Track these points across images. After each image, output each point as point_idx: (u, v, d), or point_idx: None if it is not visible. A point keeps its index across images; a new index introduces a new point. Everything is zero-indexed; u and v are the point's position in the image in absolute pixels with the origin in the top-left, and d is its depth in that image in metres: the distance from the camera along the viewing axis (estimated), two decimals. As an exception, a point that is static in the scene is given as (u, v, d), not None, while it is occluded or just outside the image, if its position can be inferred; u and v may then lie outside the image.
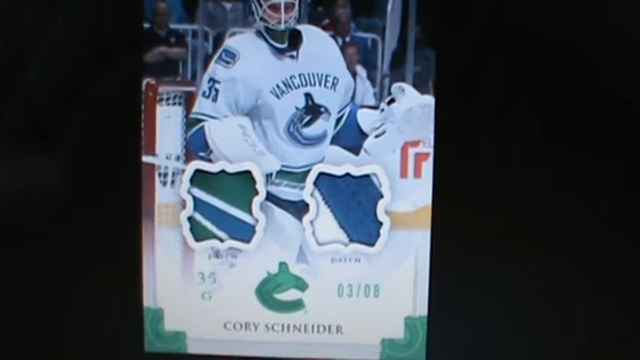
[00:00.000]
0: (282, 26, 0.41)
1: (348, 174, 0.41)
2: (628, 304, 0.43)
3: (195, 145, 0.41)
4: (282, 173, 0.41)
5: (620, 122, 0.41)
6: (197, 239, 0.42)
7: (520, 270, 0.42)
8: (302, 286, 0.42)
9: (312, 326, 0.42)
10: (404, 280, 0.42)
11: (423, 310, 0.42)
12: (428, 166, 0.41)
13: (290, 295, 0.42)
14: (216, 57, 0.41)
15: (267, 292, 0.42)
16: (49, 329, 0.43)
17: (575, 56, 0.40)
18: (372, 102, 0.41)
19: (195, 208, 0.42)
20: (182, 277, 0.42)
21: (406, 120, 0.41)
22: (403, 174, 0.41)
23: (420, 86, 0.41)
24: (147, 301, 0.42)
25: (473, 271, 0.42)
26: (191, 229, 0.42)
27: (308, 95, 0.41)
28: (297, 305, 0.42)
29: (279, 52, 0.41)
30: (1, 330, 0.43)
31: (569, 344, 0.42)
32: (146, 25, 0.40)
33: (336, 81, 0.41)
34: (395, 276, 0.42)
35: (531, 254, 0.42)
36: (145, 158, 0.41)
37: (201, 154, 0.41)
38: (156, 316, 0.42)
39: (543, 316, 0.42)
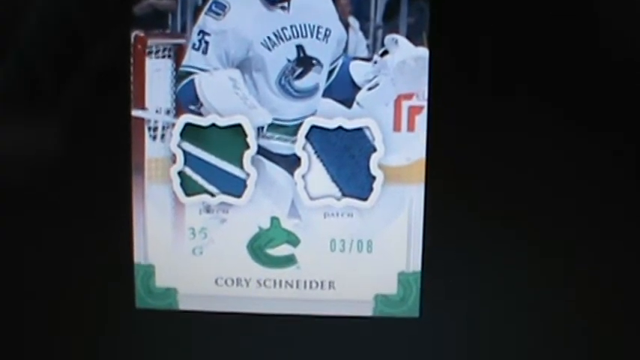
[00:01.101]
0: (273, -24, 0.40)
1: (340, 127, 0.40)
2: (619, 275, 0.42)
3: (186, 98, 0.40)
4: (274, 126, 0.40)
5: (619, 82, 0.40)
6: (187, 194, 0.40)
7: (515, 224, 0.41)
8: (294, 241, 0.41)
9: (305, 282, 0.41)
10: (397, 236, 0.40)
11: (416, 265, 0.41)
12: (422, 120, 0.40)
13: (282, 250, 0.41)
14: (206, 8, 0.39)
15: (258, 248, 0.41)
16: (39, 287, 0.42)
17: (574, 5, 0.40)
18: (364, 54, 0.39)
19: (185, 163, 0.40)
20: (173, 233, 0.41)
21: (399, 72, 0.40)
22: (397, 127, 0.40)
23: (413, 38, 0.39)
24: (137, 257, 0.41)
25: (467, 226, 0.41)
26: (181, 184, 0.40)
27: (299, 47, 0.40)
28: (289, 261, 0.41)
29: (270, 3, 0.39)
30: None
31: (561, 298, 0.41)
32: (134, -24, 0.40)
33: (328, 32, 0.40)
34: (388, 231, 0.40)
35: (528, 207, 0.40)
36: (135, 112, 0.40)
37: (192, 107, 0.40)
38: (147, 272, 0.41)
39: (538, 269, 0.41)
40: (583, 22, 0.39)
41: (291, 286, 0.41)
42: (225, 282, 0.41)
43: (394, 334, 0.41)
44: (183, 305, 0.41)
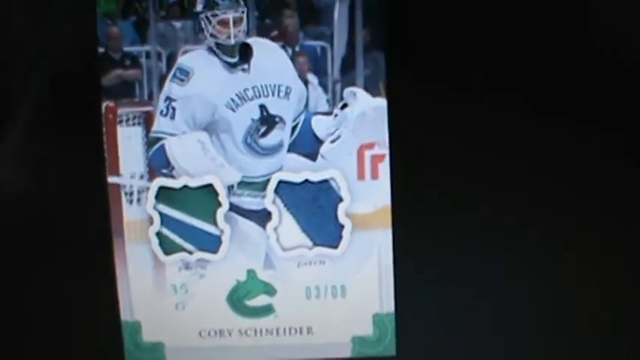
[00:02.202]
0: (232, 41, 0.40)
1: (307, 180, 0.41)
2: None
3: (157, 162, 0.41)
4: (243, 184, 0.41)
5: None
6: (166, 253, 0.41)
7: (481, 261, 0.41)
8: (271, 291, 0.42)
9: (284, 329, 0.42)
10: (369, 279, 0.41)
11: (389, 306, 0.42)
12: (384, 167, 0.40)
13: (260, 300, 0.42)
14: (170, 76, 0.40)
15: (237, 300, 0.42)
16: (32, 346, 0.43)
17: (519, 58, 0.40)
18: (325, 108, 0.40)
19: (162, 224, 0.41)
20: (155, 290, 0.42)
21: (360, 123, 0.40)
22: (360, 176, 0.41)
23: (371, 89, 0.40)
24: (124, 315, 0.42)
25: (436, 265, 0.41)
26: (160, 244, 0.41)
27: (262, 106, 0.40)
28: (267, 310, 0.42)
29: (231, 67, 0.40)
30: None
31: (537, 334, 0.42)
32: (101, 50, 0.40)
33: (288, 90, 0.40)
34: (360, 275, 0.41)
35: (493, 246, 0.41)
36: (111, 179, 0.41)
37: (164, 170, 0.41)
38: (133, 328, 0.42)
39: (507, 306, 0.42)
40: (539, 67, 0.40)
41: (271, 333, 0.42)
42: (209, 334, 0.42)
43: (373, 373, 0.43)
44: (171, 358, 0.42)
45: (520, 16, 0.39)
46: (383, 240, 0.41)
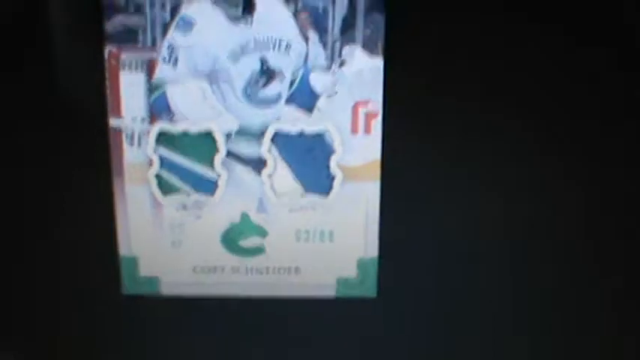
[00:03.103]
0: (236, -7, 0.41)
1: (302, 132, 0.42)
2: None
3: (159, 108, 0.42)
4: (241, 132, 0.42)
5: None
6: (165, 194, 0.43)
7: (460, 211, 0.44)
8: (262, 233, 0.44)
9: (273, 268, 0.45)
10: (356, 226, 0.44)
11: (373, 251, 0.44)
12: (377, 124, 0.42)
13: (252, 241, 0.44)
14: (174, 25, 0.40)
15: (231, 240, 0.44)
16: (40, 277, 0.45)
17: (516, 25, 0.41)
18: (323, 64, 0.41)
19: (161, 166, 0.43)
20: (153, 228, 0.44)
21: (356, 81, 0.42)
22: (354, 131, 0.43)
23: (369, 49, 0.41)
24: (122, 250, 0.44)
25: (419, 217, 0.44)
26: (159, 185, 0.43)
27: (263, 59, 0.42)
28: (258, 250, 0.44)
29: (234, 19, 0.41)
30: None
31: (515, 283, 0.45)
32: (105, -5, 0.41)
33: (289, 45, 0.41)
34: (348, 222, 0.43)
35: (471, 196, 0.44)
36: (112, 121, 0.42)
37: (165, 116, 0.42)
38: (131, 263, 0.44)
39: (487, 252, 0.44)
40: (535, 39, 0.41)
41: (261, 272, 0.45)
42: (202, 270, 0.45)
43: (355, 312, 0.45)
44: (166, 291, 0.45)
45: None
46: (371, 191, 0.43)
